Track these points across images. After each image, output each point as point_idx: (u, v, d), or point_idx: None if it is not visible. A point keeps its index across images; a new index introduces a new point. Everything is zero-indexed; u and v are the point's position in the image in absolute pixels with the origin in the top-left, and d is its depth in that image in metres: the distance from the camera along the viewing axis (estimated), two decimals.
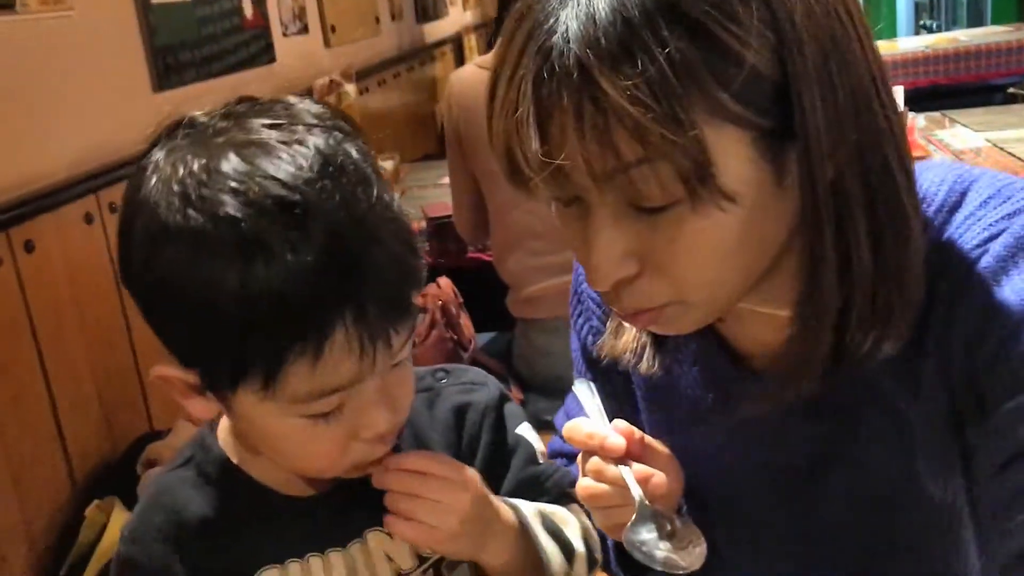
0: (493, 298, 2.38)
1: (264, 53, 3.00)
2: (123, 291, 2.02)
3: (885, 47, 4.72)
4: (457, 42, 5.47)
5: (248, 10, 2.89)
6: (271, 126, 0.67)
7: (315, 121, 0.69)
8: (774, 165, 0.64)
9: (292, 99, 0.72)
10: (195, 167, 0.66)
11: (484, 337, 2.64)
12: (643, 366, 0.86)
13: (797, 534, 0.86)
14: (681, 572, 0.73)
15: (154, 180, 0.68)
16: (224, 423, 0.83)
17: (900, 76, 4.16)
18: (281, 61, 3.08)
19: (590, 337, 0.95)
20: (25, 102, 1.87)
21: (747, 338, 0.83)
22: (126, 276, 0.69)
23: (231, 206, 0.63)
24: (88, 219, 1.97)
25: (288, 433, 0.71)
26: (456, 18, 5.57)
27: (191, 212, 0.64)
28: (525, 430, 0.89)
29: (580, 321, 0.97)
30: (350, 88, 3.37)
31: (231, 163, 0.65)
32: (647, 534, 0.75)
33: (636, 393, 0.94)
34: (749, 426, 0.82)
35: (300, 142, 0.66)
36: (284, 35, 3.16)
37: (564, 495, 0.88)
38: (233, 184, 0.64)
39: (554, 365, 2.19)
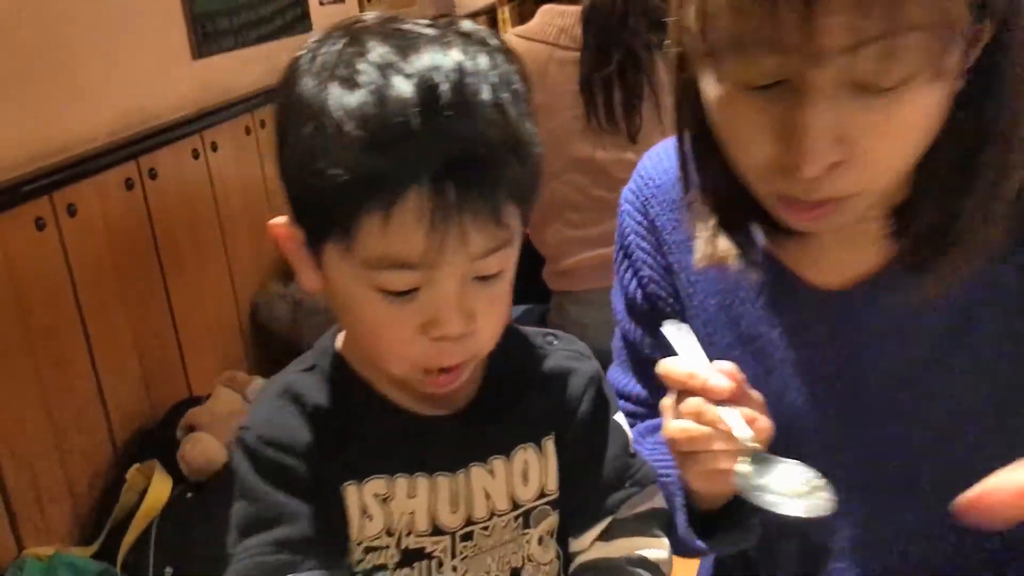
0: (529, 270, 2.36)
1: (300, 21, 2.99)
2: (163, 256, 2.06)
3: None
4: (491, 14, 5.44)
5: None
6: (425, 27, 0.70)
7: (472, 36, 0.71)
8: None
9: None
10: (341, 47, 0.69)
11: (518, 310, 2.63)
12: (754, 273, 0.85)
13: (863, 477, 0.85)
14: (802, 516, 0.70)
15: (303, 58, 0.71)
16: (342, 337, 0.83)
17: None
18: (318, 29, 3.06)
19: (639, 292, 0.94)
20: (66, 67, 1.87)
21: (813, 264, 0.82)
22: (277, 152, 0.72)
23: (358, 64, 0.66)
24: (128, 184, 1.98)
25: (364, 306, 0.71)
26: None
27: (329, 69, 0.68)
28: (620, 418, 0.88)
29: (627, 276, 0.96)
30: None
31: (375, 48, 0.68)
32: (760, 478, 0.72)
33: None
34: (819, 352, 0.81)
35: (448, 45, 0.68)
36: (320, 3, 3.14)
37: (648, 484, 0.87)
38: (369, 58, 0.67)
39: (590, 337, 2.16)
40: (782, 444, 0.79)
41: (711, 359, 0.80)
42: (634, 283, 0.95)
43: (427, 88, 0.64)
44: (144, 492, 1.81)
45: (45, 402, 1.71)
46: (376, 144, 0.64)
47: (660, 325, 0.86)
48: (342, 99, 0.65)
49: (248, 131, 2.52)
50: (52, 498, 1.74)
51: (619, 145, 2.04)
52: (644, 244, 0.93)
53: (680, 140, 0.83)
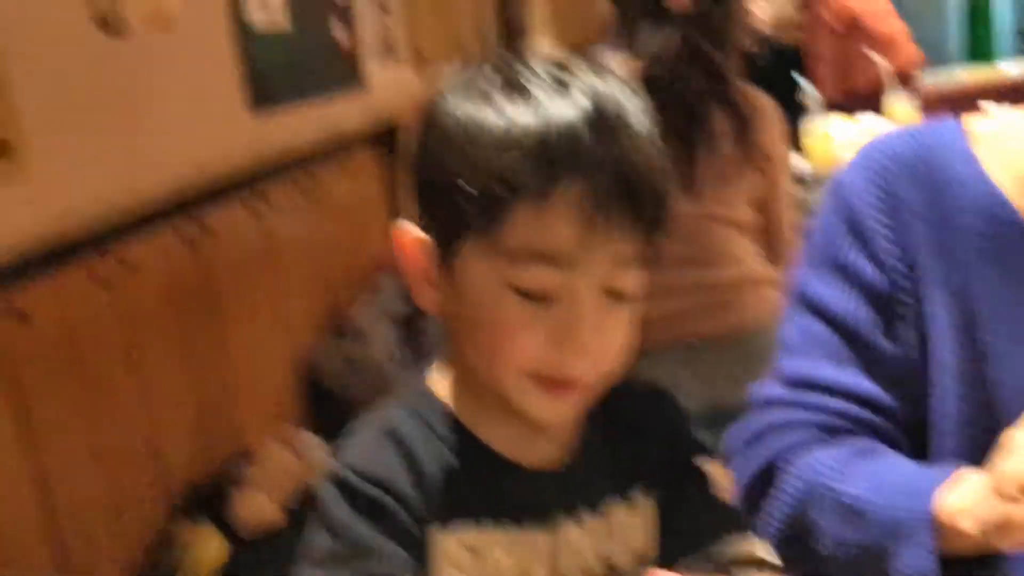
0: None
1: (354, 78, 3.02)
2: (218, 312, 2.06)
3: (986, 72, 4.59)
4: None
5: (340, 37, 2.91)
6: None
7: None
8: None
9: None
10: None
11: None
12: None
13: None
14: None
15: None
16: (438, 379, 0.81)
17: (1005, 100, 4.02)
18: (371, 87, 3.10)
19: (876, 270, 0.92)
20: (127, 121, 1.90)
21: None
22: (417, 164, 0.76)
23: (523, 79, 0.71)
24: (186, 240, 1.99)
25: (496, 307, 0.71)
26: (538, 44, 5.58)
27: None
28: (712, 468, 0.85)
29: (854, 256, 0.93)
30: None
31: (537, 67, 0.72)
32: None
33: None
34: None
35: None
36: (375, 62, 3.18)
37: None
38: (535, 73, 0.71)
39: None
40: None
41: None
42: (866, 262, 0.92)
43: (595, 103, 0.69)
44: (194, 549, 1.79)
45: (99, 457, 1.70)
46: (544, 138, 0.67)
47: (898, 307, 0.88)
48: (508, 106, 0.69)
49: (302, 187, 2.53)
50: (103, 552, 1.72)
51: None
52: (883, 218, 0.92)
53: None
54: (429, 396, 0.80)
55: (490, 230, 0.69)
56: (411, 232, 0.75)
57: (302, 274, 2.51)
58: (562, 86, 0.70)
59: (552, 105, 0.69)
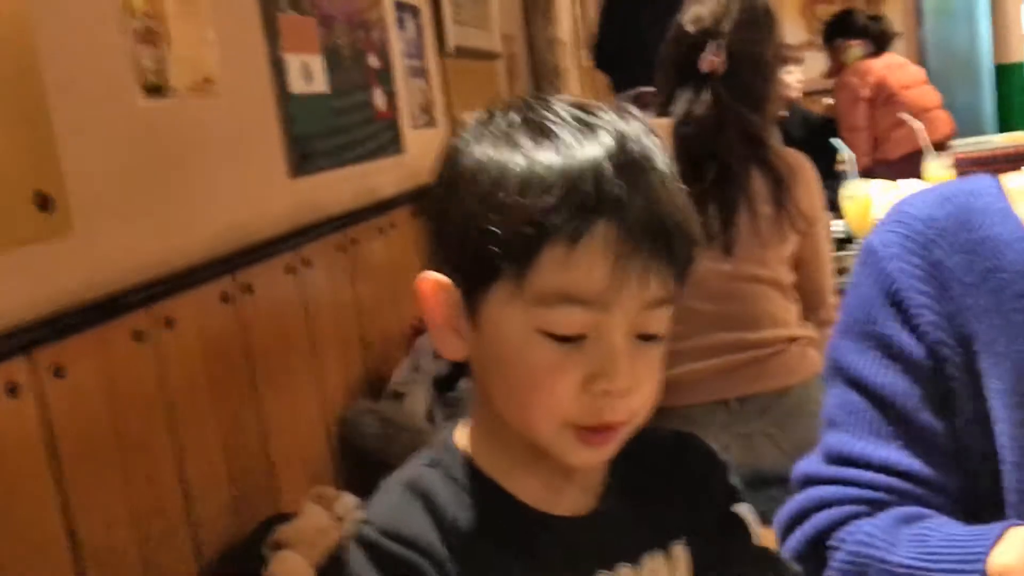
0: None
1: (393, 144, 3.06)
2: (255, 371, 2.06)
3: (1021, 137, 4.56)
4: None
5: (379, 103, 2.96)
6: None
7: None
8: None
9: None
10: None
11: None
12: None
13: None
14: None
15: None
16: (463, 432, 0.80)
17: None
18: (409, 152, 3.14)
19: (918, 344, 0.90)
20: (170, 182, 1.92)
21: None
22: (427, 210, 0.77)
23: (546, 121, 0.71)
24: (224, 298, 2.00)
25: (526, 353, 0.70)
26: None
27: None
28: (745, 509, 0.83)
29: (894, 328, 0.91)
30: None
31: (559, 109, 0.72)
32: None
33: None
34: None
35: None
36: (413, 127, 3.22)
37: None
38: (557, 114, 0.71)
39: None
40: None
41: None
42: (907, 335, 0.90)
43: (619, 141, 0.69)
44: None
45: (133, 515, 1.69)
46: (571, 177, 0.67)
47: (945, 380, 0.85)
48: (533, 148, 0.69)
49: (341, 249, 2.55)
50: None
51: (714, 257, 2.00)
52: (925, 288, 0.89)
53: None
54: (452, 449, 0.78)
55: (518, 274, 0.68)
56: (434, 280, 0.74)
57: (340, 335, 2.51)
58: (586, 126, 0.70)
59: (577, 145, 0.68)
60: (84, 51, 1.71)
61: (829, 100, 4.69)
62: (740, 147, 2.01)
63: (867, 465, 0.91)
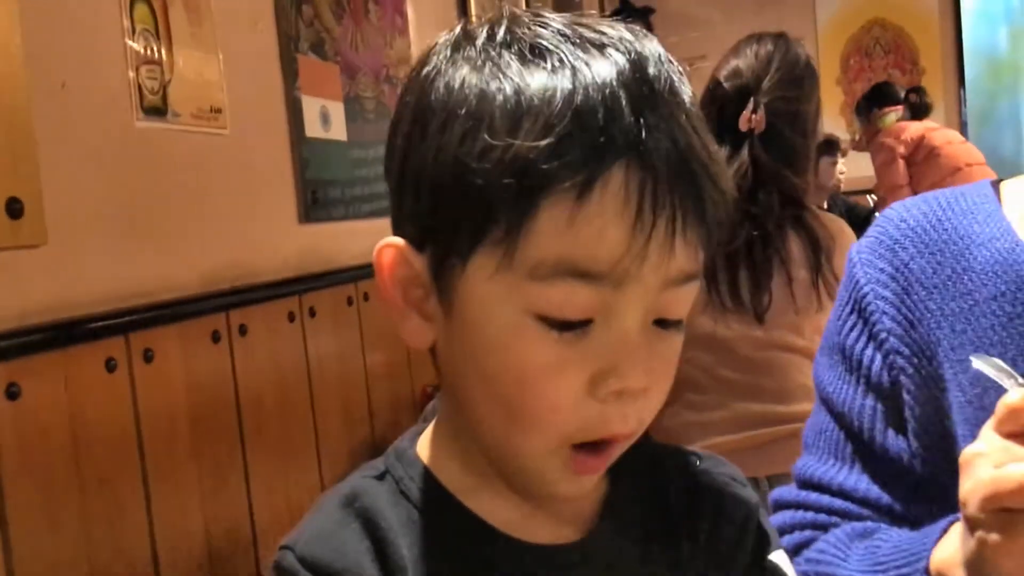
0: None
1: None
2: (244, 421, 1.92)
3: None
4: None
5: None
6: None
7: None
8: None
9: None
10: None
11: None
12: None
13: None
14: None
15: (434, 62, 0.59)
16: (425, 440, 0.64)
17: None
18: None
19: (876, 354, 0.82)
20: (163, 208, 1.81)
21: None
22: (387, 157, 0.61)
23: (539, 38, 0.55)
24: (215, 337, 1.87)
25: (516, 345, 0.53)
26: None
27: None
28: (781, 557, 0.67)
29: (857, 340, 0.84)
30: None
31: (555, 23, 0.56)
32: None
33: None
34: None
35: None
36: None
37: None
38: (552, 29, 0.56)
39: None
40: None
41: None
42: (867, 345, 0.83)
43: (636, 61, 0.53)
44: None
45: (91, 562, 1.53)
46: (575, 114, 0.51)
47: (902, 395, 0.78)
48: (523, 70, 0.53)
49: (350, 302, 2.42)
50: None
51: (745, 323, 1.86)
52: (885, 292, 0.82)
53: None
54: (409, 459, 0.62)
55: (508, 239, 0.52)
56: (396, 247, 0.58)
57: (344, 394, 2.36)
58: (591, 44, 0.53)
59: (583, 67, 0.52)
60: (77, 59, 1.62)
61: (873, 197, 4.58)
62: (776, 207, 1.89)
63: (826, 489, 0.87)
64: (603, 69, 0.52)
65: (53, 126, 1.53)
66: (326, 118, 2.38)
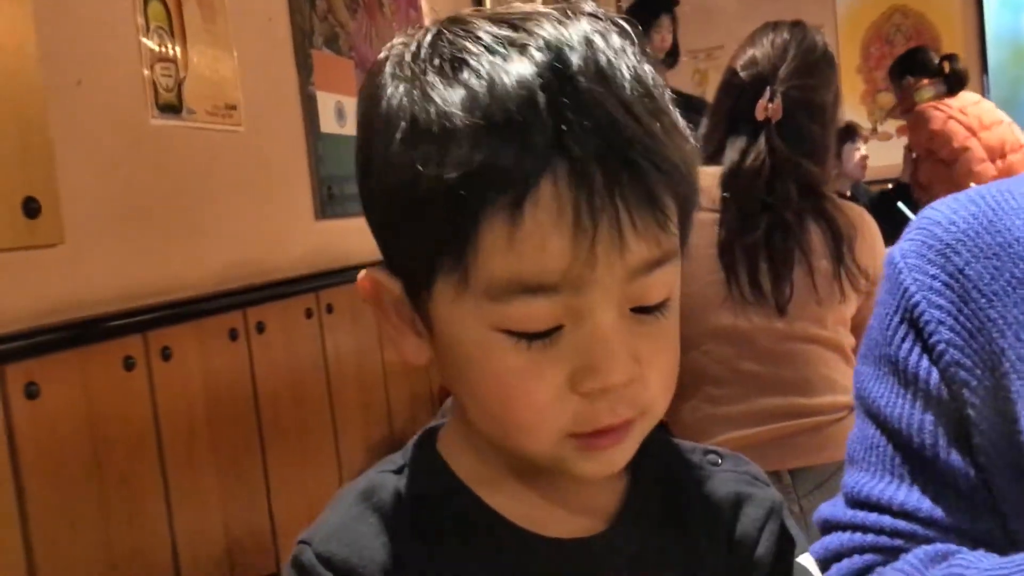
0: None
1: None
2: (263, 417, 1.92)
3: None
4: None
5: None
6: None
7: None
8: None
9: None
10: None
11: None
12: None
13: None
14: None
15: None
16: (443, 435, 0.64)
17: None
18: None
19: (931, 367, 0.78)
20: (179, 206, 1.82)
21: None
22: (360, 180, 0.61)
23: (461, 50, 0.54)
24: (233, 334, 1.87)
25: (490, 359, 0.53)
26: None
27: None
28: (808, 561, 0.66)
29: (909, 350, 0.80)
30: None
31: (481, 28, 0.55)
32: None
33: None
34: None
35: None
36: None
37: None
38: (476, 37, 0.54)
39: None
40: None
41: None
42: (919, 355, 0.78)
43: (554, 57, 0.52)
44: None
45: (111, 560, 1.53)
46: (493, 129, 0.50)
47: (965, 410, 0.74)
48: (445, 89, 0.52)
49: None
50: None
51: (766, 315, 1.83)
52: (940, 301, 0.78)
53: None
54: (427, 453, 0.62)
55: (457, 265, 0.51)
56: (372, 279, 0.59)
57: (362, 390, 2.37)
58: (511, 46, 0.52)
59: (499, 75, 0.51)
60: (92, 58, 1.62)
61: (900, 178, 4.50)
62: (796, 197, 1.87)
63: (885, 509, 0.81)
64: (521, 72, 0.51)
65: (68, 125, 1.53)
66: (341, 113, 2.38)
